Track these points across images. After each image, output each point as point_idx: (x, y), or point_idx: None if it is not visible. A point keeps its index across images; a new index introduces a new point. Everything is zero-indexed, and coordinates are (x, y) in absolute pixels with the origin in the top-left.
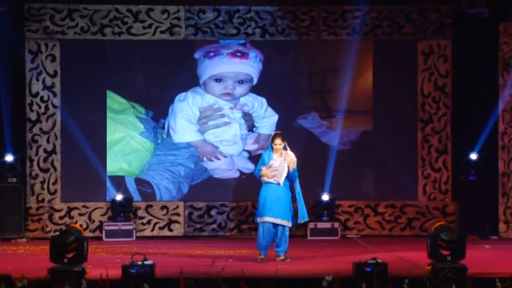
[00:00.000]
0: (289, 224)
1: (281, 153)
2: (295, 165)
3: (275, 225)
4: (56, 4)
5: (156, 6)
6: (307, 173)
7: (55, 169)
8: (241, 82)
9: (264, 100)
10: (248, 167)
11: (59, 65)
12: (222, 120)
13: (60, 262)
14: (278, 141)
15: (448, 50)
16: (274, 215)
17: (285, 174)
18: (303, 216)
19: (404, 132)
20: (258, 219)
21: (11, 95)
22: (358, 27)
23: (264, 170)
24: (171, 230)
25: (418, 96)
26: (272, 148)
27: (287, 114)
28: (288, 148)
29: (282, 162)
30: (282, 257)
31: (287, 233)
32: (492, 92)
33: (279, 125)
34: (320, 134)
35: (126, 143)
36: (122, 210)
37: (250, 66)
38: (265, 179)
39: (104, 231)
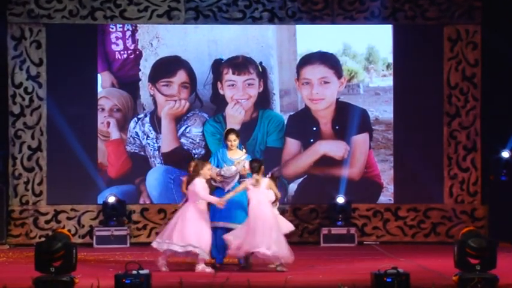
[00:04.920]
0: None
1: (236, 161)
2: (247, 172)
3: (228, 230)
4: None
5: None
6: (321, 174)
7: (40, 168)
8: None
9: None
10: None
11: (45, 53)
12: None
13: (46, 271)
14: (232, 137)
15: (477, 36)
16: (226, 219)
17: (232, 185)
18: None
19: (428, 128)
20: (210, 225)
21: None
22: (377, 10)
23: (214, 173)
24: None
25: (444, 88)
26: (226, 145)
27: None
28: (244, 149)
29: (234, 174)
30: (242, 264)
31: None
32: None
33: None
34: None
35: None
36: (115, 214)
37: None
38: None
39: (94, 237)
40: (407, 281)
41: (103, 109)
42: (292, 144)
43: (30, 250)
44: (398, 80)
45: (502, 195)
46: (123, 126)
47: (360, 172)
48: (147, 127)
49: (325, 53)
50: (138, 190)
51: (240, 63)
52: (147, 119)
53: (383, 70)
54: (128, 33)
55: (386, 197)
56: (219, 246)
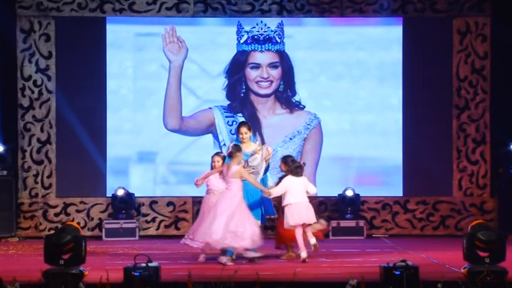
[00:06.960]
0: (258, 222)
1: (257, 149)
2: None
3: None
4: None
5: None
6: (329, 166)
7: (50, 161)
8: None
9: None
10: None
11: (54, 46)
12: None
13: (55, 264)
14: (244, 129)
15: (487, 29)
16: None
17: (262, 174)
18: (268, 211)
19: (437, 121)
20: None
21: (1, 78)
22: (386, 3)
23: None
24: (178, 229)
25: (453, 80)
26: (239, 139)
27: None
28: (258, 139)
29: (261, 161)
30: (250, 257)
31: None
32: None
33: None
34: None
35: None
36: (124, 207)
37: None
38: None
39: (103, 230)
40: (416, 274)
41: None
42: None
43: (39, 243)
44: (407, 73)
45: (511, 188)
46: None
47: None
48: None
49: None
50: None
51: None
52: None
53: None
54: None
55: None
56: None
